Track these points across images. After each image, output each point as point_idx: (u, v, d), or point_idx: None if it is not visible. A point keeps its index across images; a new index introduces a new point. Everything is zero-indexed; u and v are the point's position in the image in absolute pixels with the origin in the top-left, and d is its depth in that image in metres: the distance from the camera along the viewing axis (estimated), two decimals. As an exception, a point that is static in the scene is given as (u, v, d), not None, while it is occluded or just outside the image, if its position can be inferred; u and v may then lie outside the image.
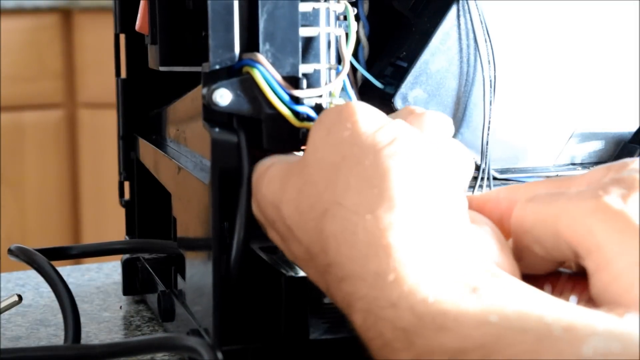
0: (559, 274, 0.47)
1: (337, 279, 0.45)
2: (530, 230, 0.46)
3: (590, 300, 0.43)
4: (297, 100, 0.51)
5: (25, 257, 0.65)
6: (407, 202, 0.44)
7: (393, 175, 0.44)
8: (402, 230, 0.43)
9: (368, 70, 0.63)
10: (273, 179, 0.49)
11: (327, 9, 0.53)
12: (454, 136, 0.63)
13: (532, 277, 0.46)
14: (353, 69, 0.63)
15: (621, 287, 0.42)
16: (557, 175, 0.66)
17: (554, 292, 0.42)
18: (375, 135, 0.46)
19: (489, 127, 0.61)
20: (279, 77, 0.51)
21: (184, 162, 0.60)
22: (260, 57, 0.51)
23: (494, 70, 0.61)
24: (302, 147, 0.52)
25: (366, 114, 0.47)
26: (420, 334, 0.40)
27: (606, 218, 0.43)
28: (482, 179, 0.62)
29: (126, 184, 0.77)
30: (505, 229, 0.48)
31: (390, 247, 0.43)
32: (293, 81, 0.51)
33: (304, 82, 0.51)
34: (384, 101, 0.62)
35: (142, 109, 0.75)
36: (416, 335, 0.40)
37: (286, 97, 0.51)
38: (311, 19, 0.53)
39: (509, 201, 0.49)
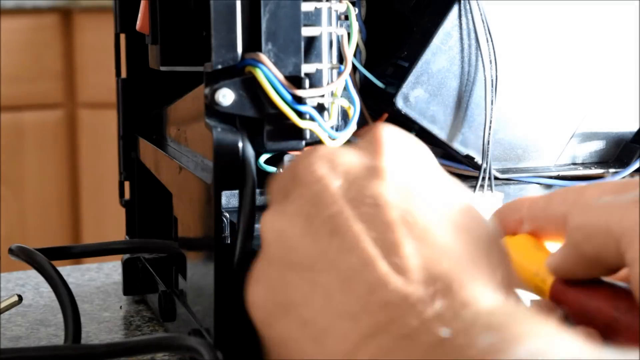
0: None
1: None
2: (583, 225, 0.46)
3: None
4: (299, 100, 0.51)
5: (26, 256, 0.65)
6: None
7: None
8: None
9: (369, 70, 0.63)
10: None
11: (329, 9, 0.53)
12: (456, 137, 0.63)
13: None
14: (354, 69, 0.63)
15: None
16: (558, 175, 0.66)
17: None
18: None
19: (490, 127, 0.61)
20: (281, 77, 0.51)
21: (185, 162, 0.59)
22: (263, 56, 0.51)
23: (496, 70, 0.61)
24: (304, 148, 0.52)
25: None
26: None
27: None
28: (484, 178, 0.61)
29: (126, 184, 0.77)
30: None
31: None
32: (295, 81, 0.51)
33: (307, 82, 0.51)
34: (385, 101, 0.62)
35: (142, 109, 0.75)
36: None
37: (289, 97, 0.51)
38: (313, 18, 0.53)
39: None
